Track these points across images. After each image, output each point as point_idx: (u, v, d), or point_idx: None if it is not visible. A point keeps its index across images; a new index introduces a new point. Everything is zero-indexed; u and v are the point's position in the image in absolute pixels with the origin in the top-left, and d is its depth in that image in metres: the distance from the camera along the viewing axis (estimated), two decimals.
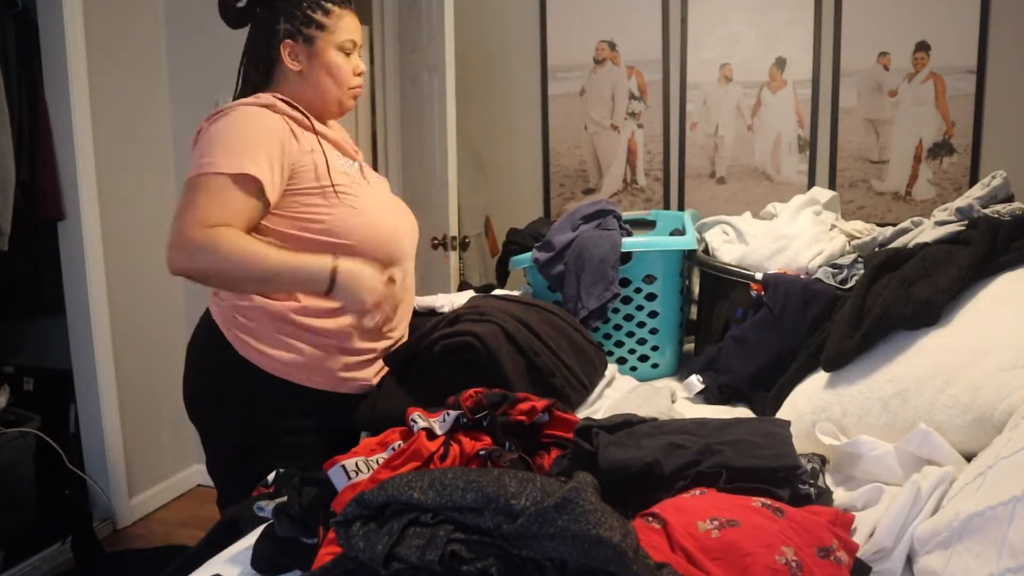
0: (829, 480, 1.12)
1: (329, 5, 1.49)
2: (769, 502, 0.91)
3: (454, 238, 2.97)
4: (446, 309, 1.65)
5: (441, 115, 2.92)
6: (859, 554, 0.89)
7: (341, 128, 1.66)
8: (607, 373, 1.62)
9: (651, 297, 1.74)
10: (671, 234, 2.10)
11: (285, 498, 1.01)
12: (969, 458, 1.03)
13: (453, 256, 2.97)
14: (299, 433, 1.47)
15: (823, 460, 1.12)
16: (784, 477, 0.99)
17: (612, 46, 3.41)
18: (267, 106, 1.42)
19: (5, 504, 2.62)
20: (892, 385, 1.16)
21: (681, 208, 3.39)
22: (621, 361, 1.78)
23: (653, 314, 1.75)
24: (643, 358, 1.78)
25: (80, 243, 2.79)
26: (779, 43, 3.19)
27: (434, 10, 2.94)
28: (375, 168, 4.26)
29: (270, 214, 1.40)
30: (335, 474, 0.98)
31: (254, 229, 1.39)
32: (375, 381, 1.53)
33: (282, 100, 1.46)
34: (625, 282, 1.75)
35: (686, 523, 0.86)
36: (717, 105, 3.31)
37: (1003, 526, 0.78)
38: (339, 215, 1.43)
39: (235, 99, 1.49)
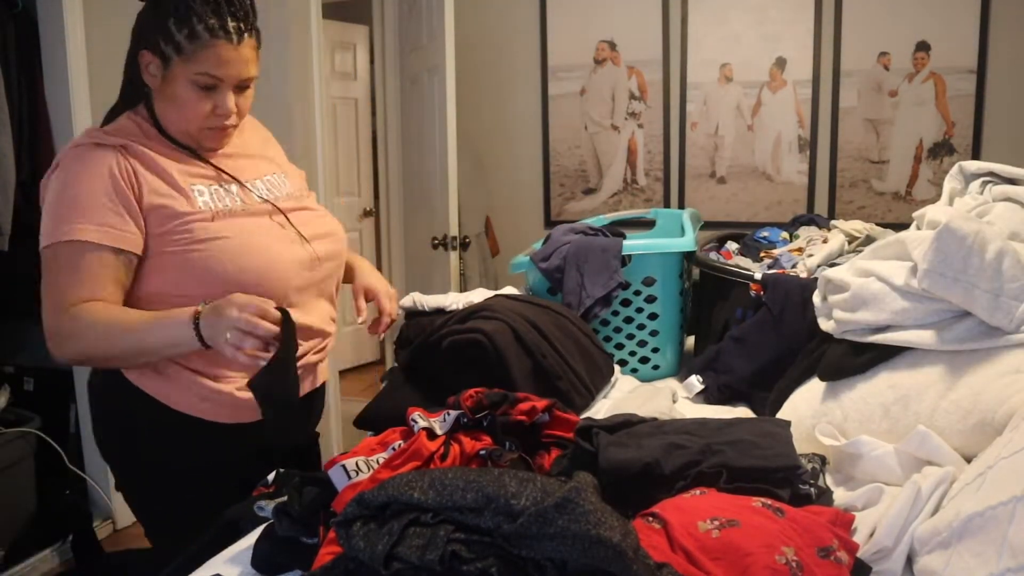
0: (829, 480, 1.12)
1: (199, 28, 1.24)
2: (769, 502, 0.91)
3: (454, 238, 2.97)
4: (459, 306, 1.63)
5: (441, 115, 2.92)
6: (859, 554, 0.89)
7: (257, 138, 1.51)
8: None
9: (651, 299, 1.74)
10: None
11: (285, 498, 1.01)
12: (970, 461, 1.03)
13: (453, 256, 2.97)
14: (212, 469, 1.35)
15: (823, 460, 1.12)
16: (784, 477, 0.99)
17: (612, 46, 3.42)
18: (100, 144, 1.27)
19: (5, 504, 2.62)
20: (893, 391, 1.16)
21: (681, 208, 3.40)
22: (622, 363, 1.78)
23: (653, 316, 1.75)
24: (644, 359, 1.78)
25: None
26: (779, 43, 3.20)
27: (434, 10, 2.94)
28: (375, 169, 4.26)
29: (155, 256, 1.27)
30: (335, 474, 0.98)
31: (145, 282, 1.28)
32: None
33: (135, 126, 1.33)
34: (624, 284, 1.75)
35: (686, 523, 0.86)
36: (717, 105, 3.31)
37: (1003, 526, 0.78)
38: (196, 256, 1.27)
39: (112, 107, 1.39)
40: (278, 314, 1.18)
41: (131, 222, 1.25)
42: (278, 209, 1.39)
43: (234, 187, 1.37)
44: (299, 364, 1.34)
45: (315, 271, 1.40)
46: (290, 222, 1.39)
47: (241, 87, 1.32)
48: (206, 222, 1.28)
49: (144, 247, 1.27)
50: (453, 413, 1.11)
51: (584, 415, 1.43)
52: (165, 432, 1.34)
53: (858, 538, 0.93)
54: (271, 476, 1.15)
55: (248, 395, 1.25)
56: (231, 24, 1.25)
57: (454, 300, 1.68)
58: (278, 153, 1.56)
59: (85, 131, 1.32)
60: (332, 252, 1.45)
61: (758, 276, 1.60)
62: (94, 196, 1.23)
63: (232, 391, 1.34)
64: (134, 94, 1.37)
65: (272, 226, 1.37)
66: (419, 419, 1.10)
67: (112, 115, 1.39)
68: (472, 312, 1.49)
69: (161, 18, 1.26)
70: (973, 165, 1.45)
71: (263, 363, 1.16)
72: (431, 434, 1.08)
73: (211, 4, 1.24)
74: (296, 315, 1.26)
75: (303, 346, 1.38)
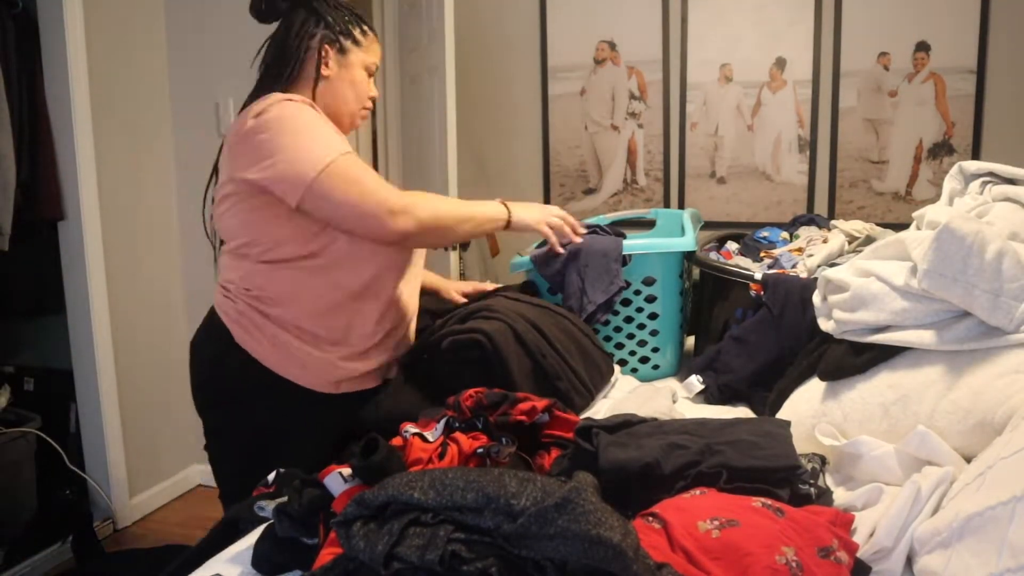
0: (829, 480, 1.12)
1: (365, 27, 1.58)
2: (769, 502, 0.91)
3: None
4: None
5: (441, 115, 2.92)
6: (859, 554, 0.89)
7: None
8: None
9: (651, 299, 1.74)
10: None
11: (285, 498, 1.01)
12: (970, 461, 1.03)
13: (453, 256, 2.98)
14: (302, 432, 1.46)
15: (823, 460, 1.12)
16: (784, 477, 1.00)
17: (612, 46, 3.42)
18: (300, 101, 1.45)
19: (5, 504, 2.62)
20: (893, 391, 1.16)
21: (681, 208, 3.39)
22: (622, 363, 1.78)
23: (653, 315, 1.75)
24: (644, 359, 1.78)
25: (80, 243, 2.79)
26: (779, 43, 3.19)
27: (434, 10, 2.94)
28: (375, 169, 4.26)
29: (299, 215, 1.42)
30: (331, 481, 0.97)
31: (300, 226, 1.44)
32: (374, 385, 1.52)
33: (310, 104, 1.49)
34: (625, 283, 1.75)
35: (686, 523, 0.86)
36: (717, 105, 3.31)
37: (1003, 526, 0.78)
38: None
39: (253, 95, 1.51)
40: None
41: None
42: None
43: None
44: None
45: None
46: None
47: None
48: None
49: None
50: (443, 421, 1.12)
51: (584, 415, 1.43)
52: (262, 392, 1.46)
53: (858, 538, 0.93)
54: (271, 476, 1.16)
55: (348, 366, 1.46)
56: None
57: None
58: None
59: (271, 96, 1.44)
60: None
61: (758, 276, 1.60)
62: (331, 127, 1.45)
63: (334, 360, 1.46)
64: (278, 81, 1.51)
65: None
66: (410, 428, 1.10)
67: (257, 94, 1.51)
68: (472, 312, 1.50)
69: (337, 15, 1.53)
70: (973, 165, 1.45)
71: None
72: (423, 440, 1.08)
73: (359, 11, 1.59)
74: (405, 288, 1.54)
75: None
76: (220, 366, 1.50)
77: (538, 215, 1.63)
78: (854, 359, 1.24)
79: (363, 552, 0.80)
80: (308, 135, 1.39)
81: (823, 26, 3.14)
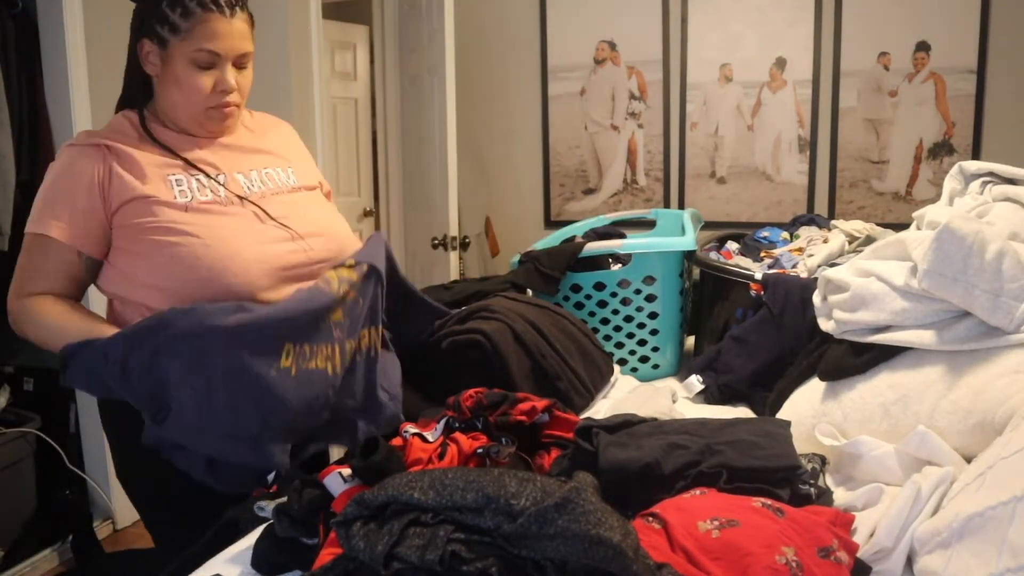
0: (829, 480, 1.12)
1: (191, 5, 1.26)
2: (769, 502, 0.91)
3: (454, 238, 2.97)
4: None
5: (441, 115, 2.92)
6: (859, 554, 0.89)
7: (264, 129, 1.49)
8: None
9: (651, 298, 1.75)
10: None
11: (285, 498, 1.01)
12: (970, 461, 1.03)
13: (453, 256, 2.98)
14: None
15: (823, 460, 1.12)
16: (784, 477, 0.99)
17: (612, 46, 3.42)
18: (88, 144, 1.31)
19: (5, 504, 2.62)
20: (893, 391, 1.16)
21: (681, 208, 3.40)
22: (622, 362, 1.79)
23: (653, 315, 1.75)
24: (643, 359, 1.78)
25: None
26: (779, 43, 3.20)
27: (434, 10, 2.95)
28: (375, 169, 4.26)
29: (128, 246, 1.30)
30: (331, 481, 0.97)
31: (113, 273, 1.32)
32: None
33: (126, 123, 1.36)
34: (625, 283, 1.75)
35: (686, 523, 0.86)
36: (717, 105, 3.31)
37: (1003, 526, 0.78)
38: (158, 252, 1.28)
39: (117, 103, 1.44)
40: None
41: (98, 226, 1.30)
42: (257, 205, 1.35)
43: (221, 177, 1.35)
44: None
45: (297, 270, 1.34)
46: (270, 216, 1.34)
47: (239, 65, 1.34)
48: (179, 211, 1.28)
49: (117, 238, 1.31)
50: (442, 422, 1.12)
51: (584, 415, 1.43)
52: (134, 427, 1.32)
53: (858, 538, 0.93)
54: (271, 476, 1.16)
55: None
56: (221, 1, 1.28)
57: None
58: (293, 150, 1.52)
59: (81, 132, 1.38)
60: (326, 252, 1.39)
61: (758, 276, 1.60)
62: (69, 196, 1.29)
63: None
64: (133, 90, 1.40)
65: (251, 222, 1.33)
66: (410, 428, 1.10)
67: (117, 110, 1.44)
68: (472, 312, 1.49)
69: (153, 3, 1.29)
70: (973, 165, 1.45)
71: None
72: (423, 440, 1.08)
73: None
74: None
75: None
76: (107, 404, 1.42)
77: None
78: (854, 359, 1.24)
79: (363, 552, 0.79)
80: (40, 199, 1.34)
81: (823, 26, 3.14)
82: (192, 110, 1.33)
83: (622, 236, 2.03)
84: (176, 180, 1.31)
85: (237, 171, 1.38)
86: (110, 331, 1.22)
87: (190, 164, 1.34)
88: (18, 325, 1.33)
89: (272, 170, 1.43)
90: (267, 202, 1.36)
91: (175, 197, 1.29)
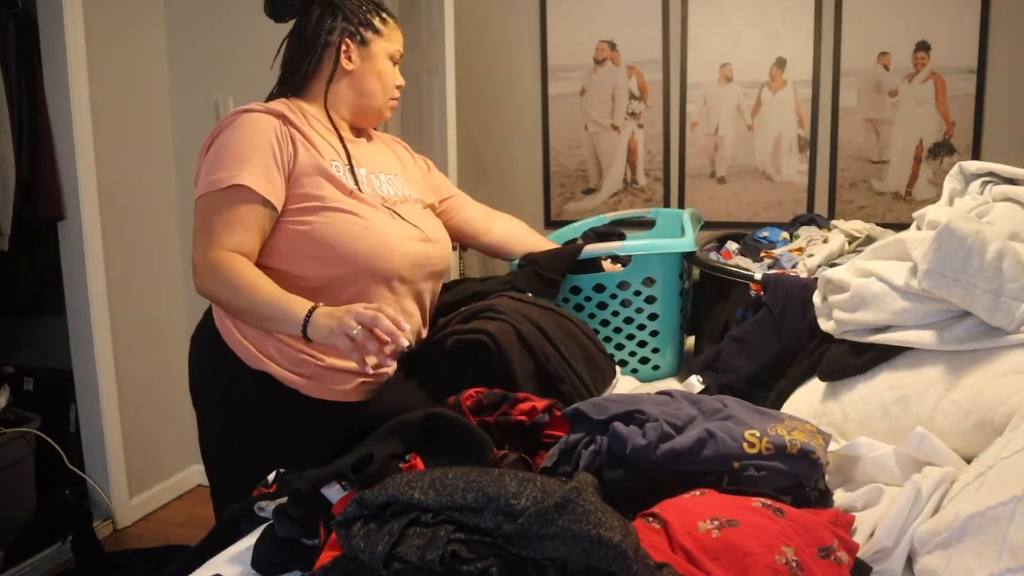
0: (829, 481, 1.12)
1: (385, 15, 1.54)
2: (769, 502, 0.91)
3: None
4: None
5: (441, 115, 2.92)
6: (859, 554, 0.89)
7: (383, 142, 1.69)
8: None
9: (651, 299, 1.74)
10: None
11: (285, 499, 1.00)
12: (970, 461, 1.03)
13: (453, 256, 2.97)
14: (291, 435, 1.44)
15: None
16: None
17: (612, 46, 3.41)
18: (266, 111, 1.43)
19: (5, 504, 2.62)
20: (893, 391, 1.16)
21: (681, 208, 3.39)
22: (622, 363, 1.79)
23: (653, 316, 1.75)
24: (644, 360, 1.78)
25: (80, 243, 2.79)
26: (779, 43, 3.19)
27: (434, 10, 2.95)
28: None
29: (287, 217, 1.41)
30: (329, 490, 0.97)
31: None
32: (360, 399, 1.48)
33: (289, 106, 1.47)
34: (624, 284, 1.75)
35: (686, 523, 0.86)
36: (717, 105, 3.31)
37: (1003, 526, 0.78)
38: (323, 223, 1.41)
39: (271, 94, 1.55)
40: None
41: (282, 184, 1.40)
42: (391, 208, 1.50)
43: (363, 171, 1.51)
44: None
45: (428, 268, 1.54)
46: (402, 217, 1.50)
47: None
48: (344, 194, 1.43)
49: (283, 206, 1.41)
50: None
51: None
52: (249, 392, 1.43)
53: (858, 538, 0.93)
54: (271, 476, 1.16)
55: (338, 365, 1.42)
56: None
57: None
58: (409, 166, 1.72)
59: (248, 105, 1.46)
60: (444, 256, 1.59)
61: (758, 276, 1.60)
62: (256, 149, 1.38)
63: (318, 363, 1.43)
64: (297, 81, 1.53)
65: (391, 217, 1.49)
66: None
67: (273, 95, 1.56)
68: (476, 312, 1.49)
69: (355, 7, 1.51)
70: (973, 165, 1.45)
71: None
72: None
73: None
74: (400, 310, 1.48)
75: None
76: (209, 364, 1.50)
77: (336, 326, 1.24)
78: (854, 359, 1.24)
79: (363, 552, 0.79)
80: (219, 158, 1.38)
81: (823, 26, 3.14)
82: (382, 100, 1.56)
83: (622, 236, 2.03)
84: (336, 166, 1.45)
85: (371, 171, 1.54)
86: (301, 305, 1.28)
87: (348, 155, 1.50)
88: (206, 281, 1.34)
89: (392, 176, 1.59)
90: (397, 205, 1.53)
91: (343, 180, 1.44)
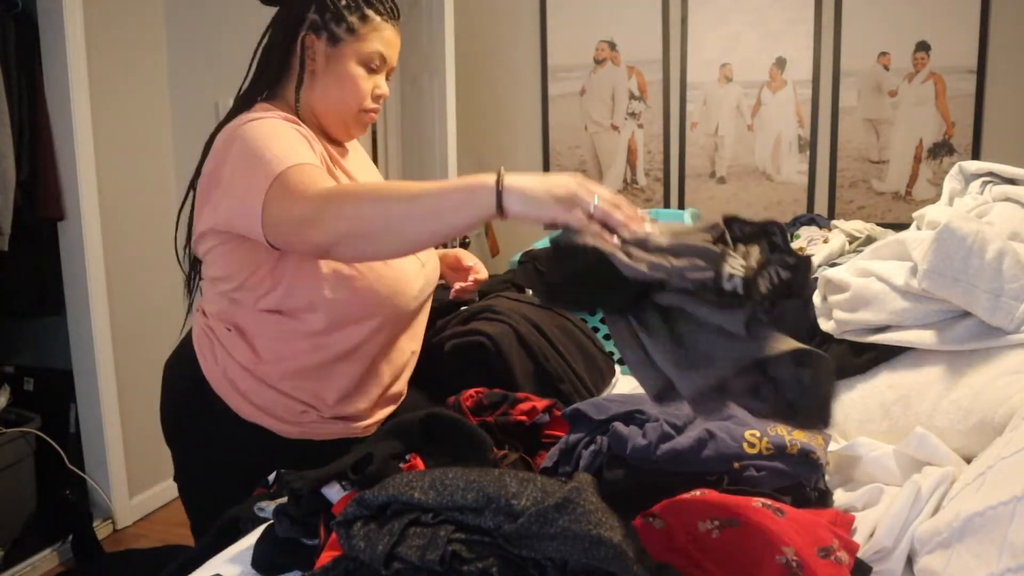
0: (829, 481, 1.12)
1: (370, 12, 1.28)
2: (769, 502, 0.91)
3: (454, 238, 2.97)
4: None
5: (441, 116, 2.92)
6: (859, 554, 0.89)
7: (356, 151, 1.45)
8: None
9: None
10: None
11: (285, 499, 1.00)
12: (970, 461, 1.03)
13: None
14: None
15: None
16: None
17: (612, 46, 3.42)
18: (266, 115, 1.24)
19: (5, 504, 2.62)
20: (893, 391, 1.16)
21: (681, 208, 3.39)
22: (622, 362, 1.78)
23: None
24: None
25: (80, 243, 2.79)
26: (779, 43, 3.20)
27: (434, 10, 2.95)
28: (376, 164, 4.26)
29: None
30: (329, 490, 0.97)
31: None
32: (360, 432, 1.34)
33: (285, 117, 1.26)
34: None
35: (686, 523, 0.86)
36: (717, 105, 3.31)
37: (1003, 526, 0.78)
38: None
39: (242, 93, 1.33)
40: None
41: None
42: None
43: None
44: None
45: (423, 294, 1.36)
46: None
47: (388, 75, 1.34)
48: None
49: None
50: None
51: None
52: (234, 438, 1.31)
53: (858, 538, 0.93)
54: (271, 477, 1.16)
55: (328, 424, 1.28)
56: (395, 8, 1.30)
57: None
58: (370, 169, 1.49)
59: (245, 113, 1.27)
60: (433, 279, 1.39)
61: None
62: (295, 137, 1.19)
63: (314, 416, 1.30)
64: (269, 79, 1.32)
65: None
66: None
67: (243, 101, 1.34)
68: (475, 313, 1.49)
69: (329, 2, 1.26)
70: (973, 165, 1.45)
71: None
72: None
73: None
74: (405, 340, 1.32)
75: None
76: (188, 403, 1.35)
77: (561, 189, 0.92)
78: (854, 359, 1.24)
79: (363, 552, 0.79)
80: (265, 147, 1.14)
81: (823, 26, 3.14)
82: (345, 111, 1.30)
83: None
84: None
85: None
86: (478, 176, 0.98)
87: (341, 167, 1.31)
88: (330, 210, 1.03)
89: None
90: None
91: None
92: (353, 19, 1.26)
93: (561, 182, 0.93)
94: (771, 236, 0.83)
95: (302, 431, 1.30)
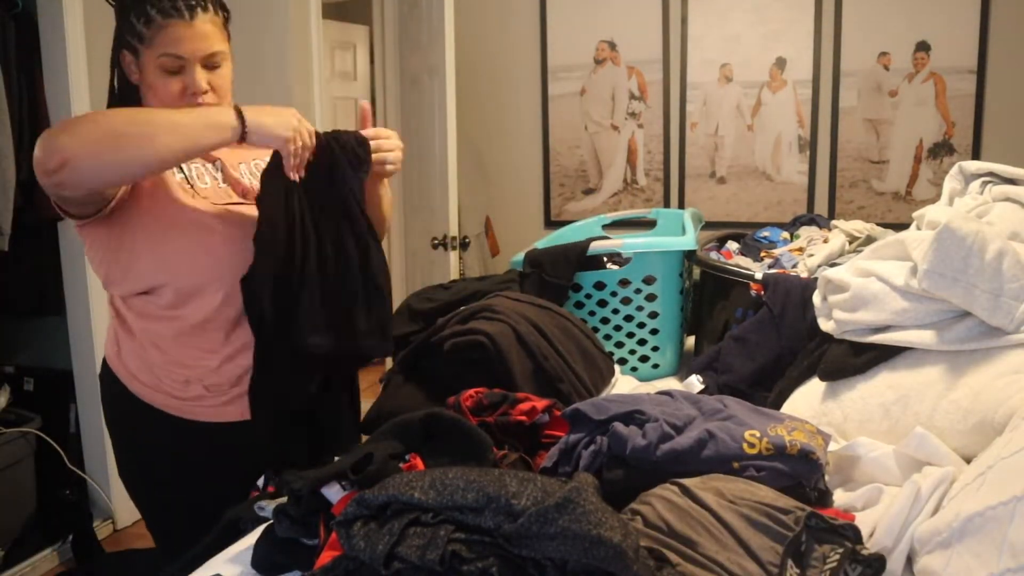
0: (829, 481, 1.12)
1: (153, 13, 1.26)
2: None
3: (454, 238, 2.97)
4: None
5: (441, 116, 2.92)
6: None
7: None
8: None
9: (651, 298, 1.74)
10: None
11: (285, 499, 1.00)
12: (969, 461, 1.03)
13: (453, 256, 2.98)
14: (193, 465, 1.40)
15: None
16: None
17: (612, 46, 3.42)
18: None
19: (5, 504, 2.62)
20: (893, 391, 1.16)
21: (681, 208, 3.40)
22: (622, 362, 1.79)
23: (653, 315, 1.75)
24: (643, 358, 1.78)
25: (80, 243, 2.79)
26: (779, 43, 3.20)
27: (434, 10, 2.95)
28: None
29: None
30: (329, 490, 0.97)
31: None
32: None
33: None
34: (625, 283, 1.75)
35: None
36: (717, 105, 3.31)
37: (1003, 526, 0.78)
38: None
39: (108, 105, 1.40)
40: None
41: None
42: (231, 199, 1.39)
43: (209, 166, 1.41)
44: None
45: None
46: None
47: (209, 65, 1.32)
48: (178, 197, 1.32)
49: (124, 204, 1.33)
50: None
51: None
52: (158, 431, 1.39)
53: None
54: (260, 481, 1.16)
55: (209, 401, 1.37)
56: (180, 3, 1.28)
57: None
58: None
59: None
60: None
61: (758, 276, 1.60)
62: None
63: (198, 391, 1.38)
64: (118, 100, 1.39)
65: (228, 213, 1.35)
66: None
67: None
68: (474, 312, 1.49)
69: (125, 15, 1.29)
70: (973, 165, 1.45)
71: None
72: None
73: None
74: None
75: None
76: (107, 396, 1.45)
77: (281, 123, 1.24)
78: (854, 359, 1.24)
79: (363, 552, 0.79)
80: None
81: (823, 26, 3.14)
82: None
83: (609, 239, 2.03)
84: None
85: (231, 162, 1.43)
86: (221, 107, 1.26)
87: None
88: (81, 125, 1.16)
89: (263, 161, 1.41)
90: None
91: (179, 179, 1.34)
92: (140, 28, 1.27)
93: (283, 121, 1.23)
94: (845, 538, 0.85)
95: (194, 410, 1.38)
